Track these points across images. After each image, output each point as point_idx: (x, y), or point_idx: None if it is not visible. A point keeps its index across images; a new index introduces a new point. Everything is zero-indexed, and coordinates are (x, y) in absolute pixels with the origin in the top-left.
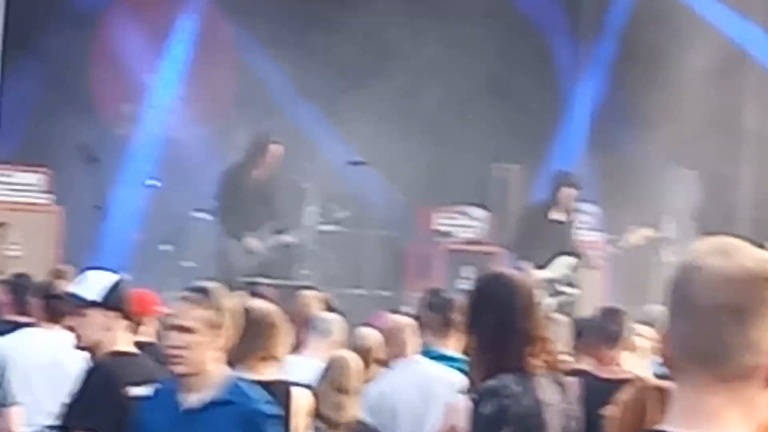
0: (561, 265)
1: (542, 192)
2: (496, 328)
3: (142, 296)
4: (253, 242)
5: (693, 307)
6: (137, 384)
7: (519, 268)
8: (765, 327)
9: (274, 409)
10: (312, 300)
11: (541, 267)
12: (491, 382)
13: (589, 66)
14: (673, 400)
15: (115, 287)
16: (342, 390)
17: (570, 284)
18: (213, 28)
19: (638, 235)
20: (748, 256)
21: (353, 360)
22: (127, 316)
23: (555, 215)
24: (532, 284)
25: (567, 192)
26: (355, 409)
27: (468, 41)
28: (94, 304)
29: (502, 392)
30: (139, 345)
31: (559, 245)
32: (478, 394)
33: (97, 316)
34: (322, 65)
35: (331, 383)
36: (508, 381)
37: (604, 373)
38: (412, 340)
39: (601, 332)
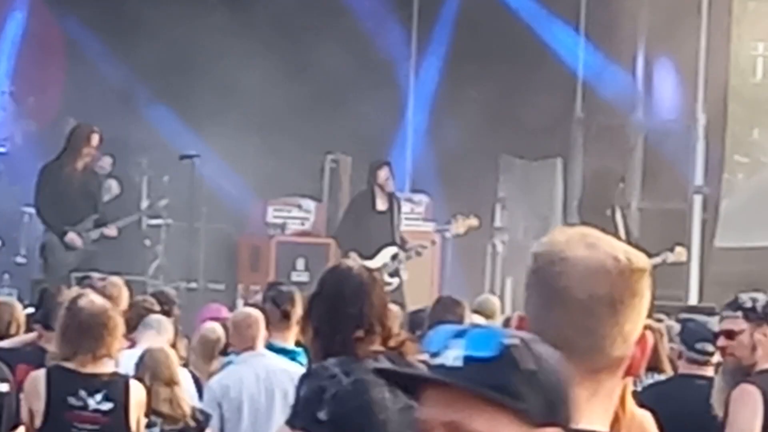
0: (384, 255)
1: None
2: (325, 316)
3: None
4: (74, 238)
5: (568, 299)
6: None
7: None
8: (635, 319)
9: None
10: (122, 288)
11: (367, 258)
12: (312, 366)
13: (423, 59)
14: None
15: None
16: (170, 382)
17: (391, 274)
18: (40, 22)
19: (463, 225)
20: (612, 246)
21: (169, 351)
22: None
23: (380, 206)
24: (366, 273)
25: (382, 173)
26: (185, 400)
27: (304, 38)
28: None
29: (320, 374)
30: None
31: (382, 236)
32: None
33: None
34: (151, 57)
35: (156, 377)
36: (329, 364)
37: None
38: (261, 333)
39: (439, 323)
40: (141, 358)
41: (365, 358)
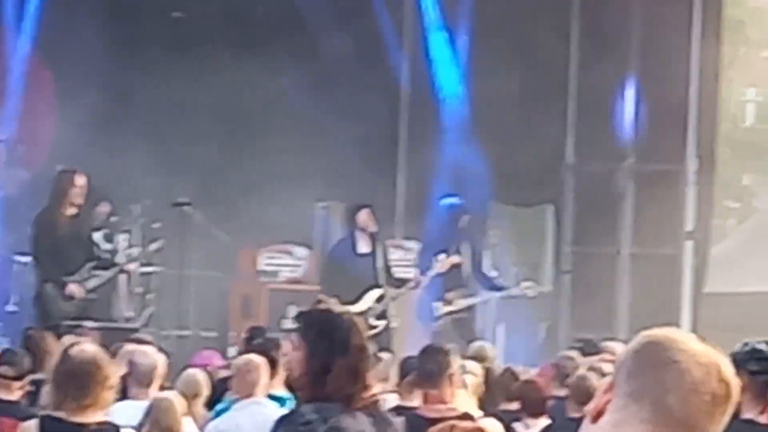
0: (368, 299)
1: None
2: (319, 364)
3: None
4: (74, 290)
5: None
6: None
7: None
8: None
9: None
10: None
11: (350, 302)
12: (286, 411)
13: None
14: None
15: None
16: (167, 431)
17: (377, 317)
18: (32, 70)
19: (446, 263)
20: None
21: (176, 401)
22: None
23: (362, 248)
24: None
25: (362, 216)
26: None
27: (297, 86)
28: None
29: (295, 420)
30: None
31: (366, 278)
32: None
33: None
34: (142, 104)
35: (156, 425)
36: (305, 409)
37: (431, 412)
38: (262, 380)
39: (421, 371)
40: (148, 410)
41: (350, 406)
